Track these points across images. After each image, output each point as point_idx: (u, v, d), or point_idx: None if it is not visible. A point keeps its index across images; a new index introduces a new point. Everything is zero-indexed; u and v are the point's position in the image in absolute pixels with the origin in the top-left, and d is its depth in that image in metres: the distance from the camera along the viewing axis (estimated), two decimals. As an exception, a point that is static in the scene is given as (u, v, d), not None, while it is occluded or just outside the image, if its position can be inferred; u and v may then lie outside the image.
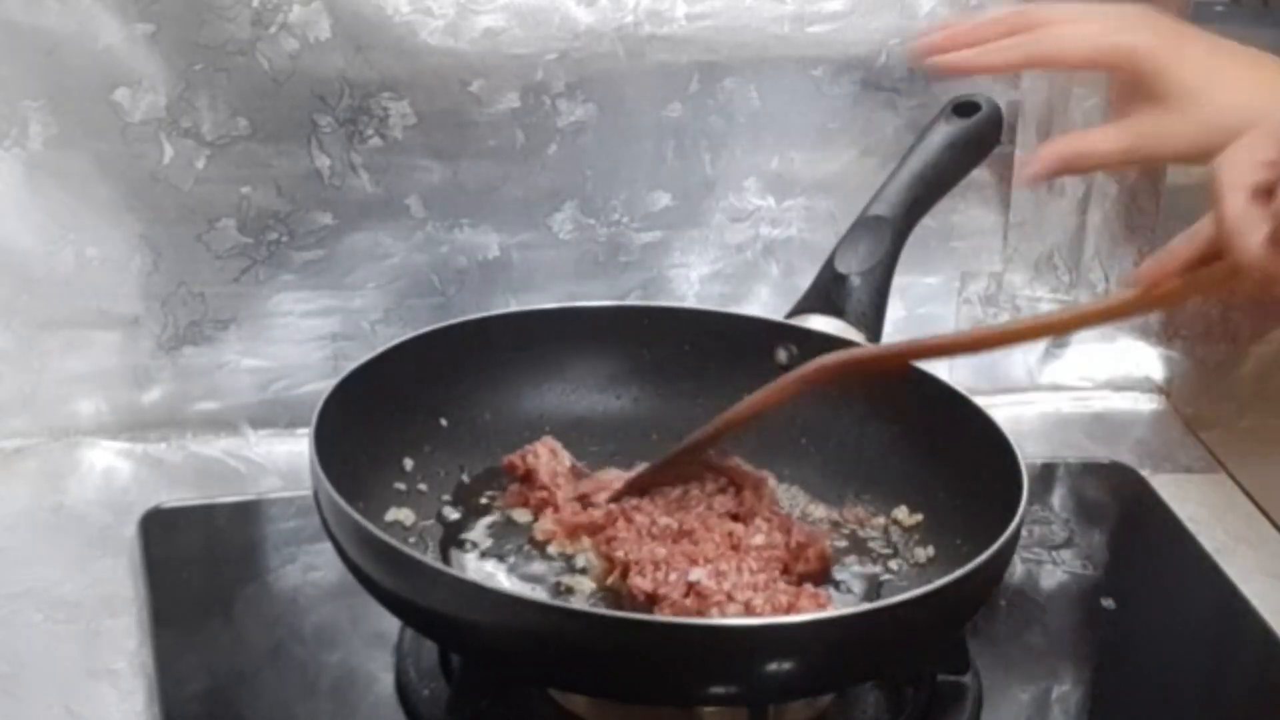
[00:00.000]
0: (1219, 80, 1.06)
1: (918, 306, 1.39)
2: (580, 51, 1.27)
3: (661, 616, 0.99)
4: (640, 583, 1.02)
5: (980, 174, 1.30)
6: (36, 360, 1.26)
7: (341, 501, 0.97)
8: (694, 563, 1.02)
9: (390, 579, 0.95)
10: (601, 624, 0.92)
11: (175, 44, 1.21)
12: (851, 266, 1.14)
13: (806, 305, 1.16)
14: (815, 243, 1.36)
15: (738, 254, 1.36)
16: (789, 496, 1.15)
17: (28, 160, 1.22)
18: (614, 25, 1.27)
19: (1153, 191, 1.40)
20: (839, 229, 1.35)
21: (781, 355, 1.15)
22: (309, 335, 1.31)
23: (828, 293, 1.15)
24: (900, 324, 1.32)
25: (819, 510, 1.14)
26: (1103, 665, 1.13)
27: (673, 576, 1.02)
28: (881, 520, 1.13)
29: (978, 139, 1.16)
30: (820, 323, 1.14)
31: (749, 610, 1.00)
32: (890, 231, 1.15)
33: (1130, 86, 1.08)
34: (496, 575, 1.07)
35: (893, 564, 1.10)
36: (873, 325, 1.15)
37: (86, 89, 1.21)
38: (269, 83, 1.23)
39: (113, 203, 1.24)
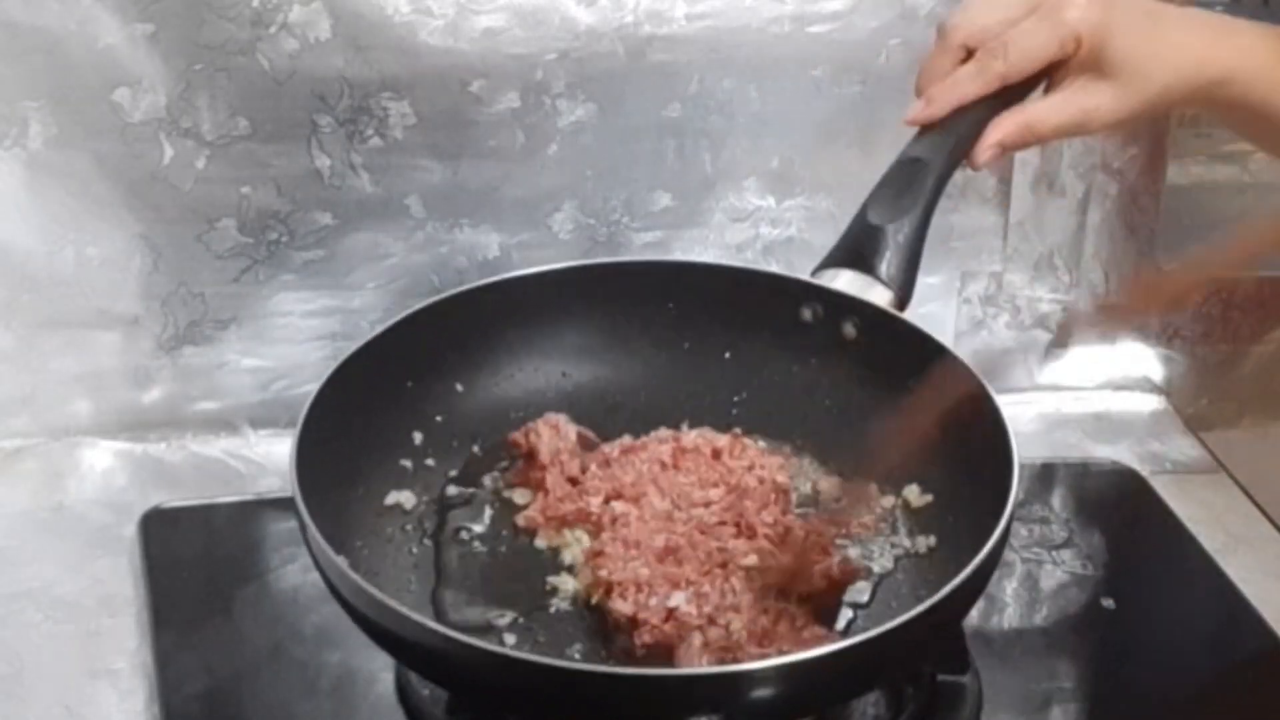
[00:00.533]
0: (1154, 48, 1.08)
1: (918, 306, 1.36)
2: (580, 51, 1.27)
3: (630, 669, 0.97)
4: (621, 606, 1.01)
5: (981, 174, 1.29)
6: (36, 360, 1.26)
7: (330, 550, 0.95)
8: (676, 585, 1.02)
9: (372, 621, 0.95)
10: (569, 677, 0.91)
11: (175, 44, 1.21)
12: (885, 217, 1.07)
13: (835, 259, 1.11)
14: (815, 243, 1.36)
15: (738, 254, 1.36)
16: (801, 468, 1.14)
17: (28, 160, 1.22)
18: (614, 25, 1.27)
19: (1153, 191, 1.40)
20: (839, 229, 1.35)
21: (806, 314, 1.13)
22: (309, 335, 1.31)
23: (859, 245, 1.09)
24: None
25: (829, 485, 1.13)
26: (1103, 665, 1.13)
27: (653, 601, 1.01)
28: (891, 500, 1.11)
29: (1025, 90, 1.09)
30: (848, 278, 1.09)
31: (727, 634, 0.99)
32: (930, 177, 1.07)
33: (1076, 60, 1.08)
34: (486, 568, 1.07)
35: (889, 557, 1.09)
36: (903, 283, 1.09)
37: (86, 89, 1.21)
38: (269, 83, 1.23)
39: (113, 203, 1.24)
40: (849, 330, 1.12)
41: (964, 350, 1.42)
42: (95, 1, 1.19)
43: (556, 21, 1.26)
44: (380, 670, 1.06)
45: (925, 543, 1.09)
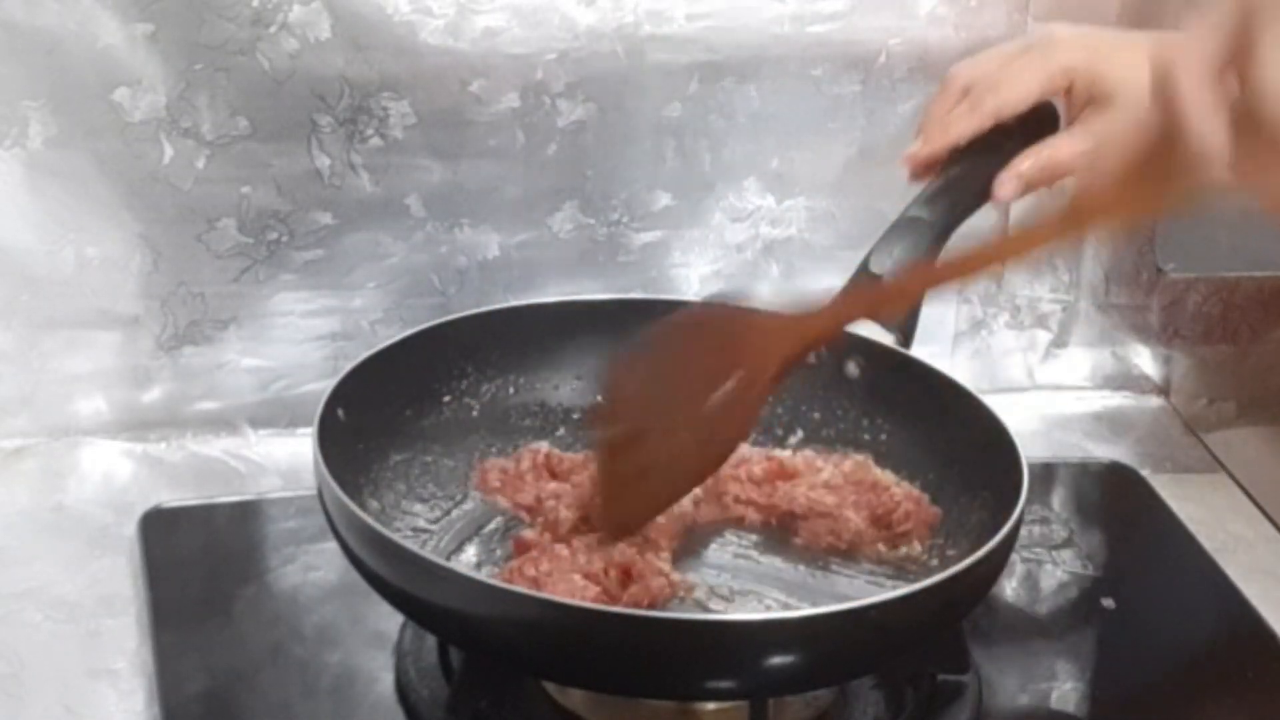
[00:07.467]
0: (1143, 69, 1.10)
1: (918, 306, 1.39)
2: (580, 51, 1.27)
3: (661, 613, 0.98)
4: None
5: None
6: (36, 360, 1.26)
7: (338, 488, 0.97)
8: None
9: (389, 572, 0.96)
10: (601, 620, 0.92)
11: (175, 44, 1.21)
12: (885, 267, 1.12)
13: None
14: (815, 243, 1.36)
15: (738, 254, 1.36)
16: None
17: (28, 160, 1.22)
18: (614, 25, 1.27)
19: (1153, 191, 1.40)
20: (839, 229, 1.36)
21: (810, 355, 1.15)
22: (309, 335, 1.31)
23: None
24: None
25: None
26: (1103, 665, 1.13)
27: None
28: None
29: (1024, 141, 1.13)
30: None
31: None
32: (928, 234, 1.12)
33: (1077, 96, 1.13)
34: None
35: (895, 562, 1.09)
36: (905, 328, 1.13)
37: (86, 89, 1.21)
38: (269, 83, 1.23)
39: (113, 203, 1.24)
40: (851, 369, 1.14)
41: (963, 350, 1.43)
42: (95, 1, 1.19)
43: (556, 21, 1.26)
44: (380, 670, 1.06)
45: (929, 560, 1.09)
